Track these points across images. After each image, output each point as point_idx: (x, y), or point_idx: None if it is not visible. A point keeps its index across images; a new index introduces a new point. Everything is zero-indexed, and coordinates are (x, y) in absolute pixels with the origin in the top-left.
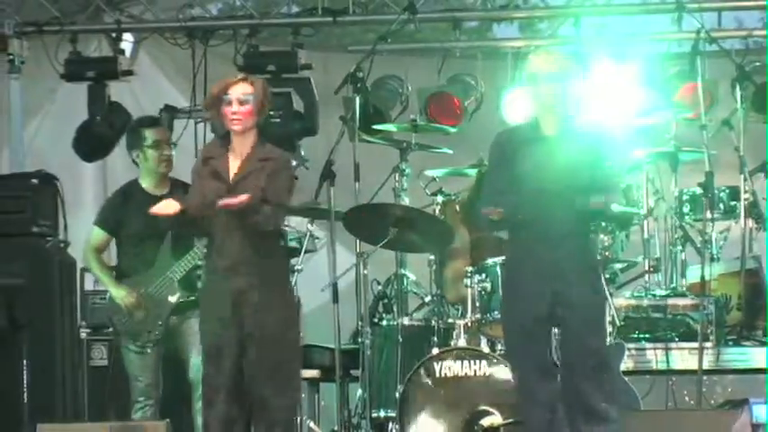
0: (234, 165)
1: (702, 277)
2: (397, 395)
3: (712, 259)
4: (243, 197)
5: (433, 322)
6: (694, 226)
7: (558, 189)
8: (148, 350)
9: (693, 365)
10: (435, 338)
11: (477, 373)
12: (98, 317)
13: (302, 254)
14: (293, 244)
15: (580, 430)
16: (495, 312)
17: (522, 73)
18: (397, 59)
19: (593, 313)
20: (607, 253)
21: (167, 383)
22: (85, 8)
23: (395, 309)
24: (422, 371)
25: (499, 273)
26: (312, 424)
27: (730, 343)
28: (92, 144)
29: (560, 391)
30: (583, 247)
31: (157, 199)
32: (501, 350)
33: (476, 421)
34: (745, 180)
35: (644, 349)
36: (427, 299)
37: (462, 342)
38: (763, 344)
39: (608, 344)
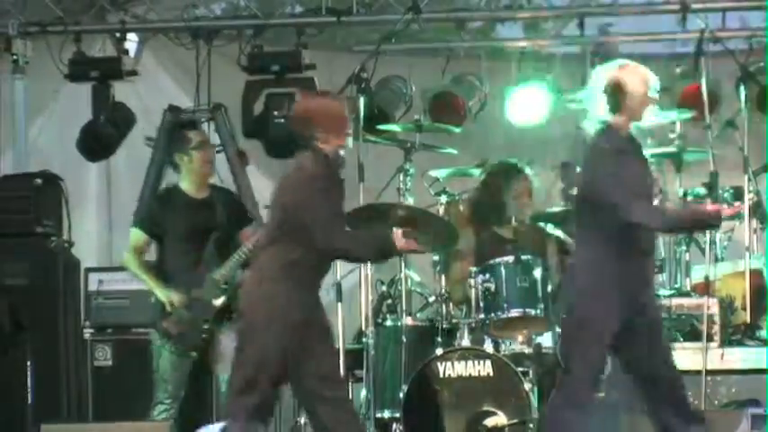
0: None
1: (707, 277)
2: (402, 395)
3: (717, 259)
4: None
5: (437, 323)
6: None
7: None
8: (188, 356)
9: (698, 366)
10: (439, 339)
11: (481, 374)
12: (102, 317)
13: None
14: None
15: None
16: (500, 312)
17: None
18: (401, 60)
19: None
20: None
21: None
22: (89, 8)
23: (399, 309)
24: (426, 371)
25: (503, 273)
26: None
27: (735, 343)
28: (96, 144)
29: None
30: None
31: (198, 202)
32: (505, 351)
33: (480, 421)
34: (749, 180)
35: None
36: (431, 299)
37: (466, 342)
38: (767, 344)
39: None
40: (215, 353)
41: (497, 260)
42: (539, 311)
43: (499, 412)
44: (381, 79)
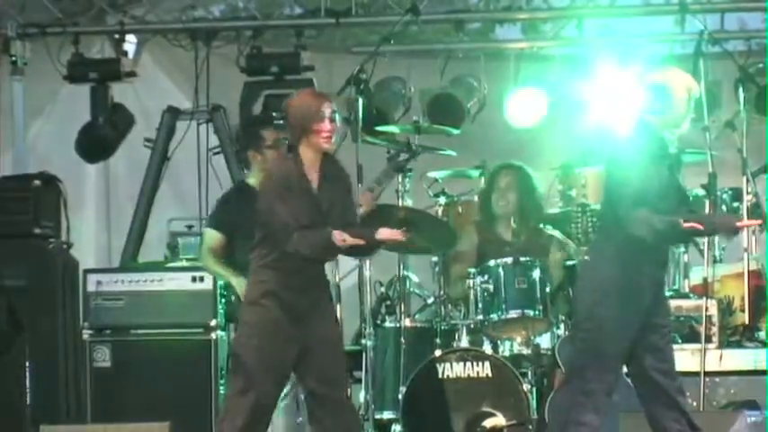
0: None
1: (705, 279)
2: (400, 397)
3: (715, 261)
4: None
5: (436, 324)
6: None
7: None
8: None
9: (696, 367)
10: (438, 340)
11: (480, 375)
12: (100, 318)
13: None
14: None
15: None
16: (498, 313)
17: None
18: (399, 61)
19: None
20: None
21: None
22: (88, 9)
23: (398, 310)
24: (425, 372)
25: (502, 274)
26: None
27: (733, 345)
28: (94, 145)
29: None
30: None
31: None
32: (504, 352)
33: (479, 422)
34: (747, 181)
35: None
36: (430, 300)
37: (465, 343)
38: (766, 345)
39: None
40: None
41: (496, 261)
42: (537, 312)
43: (498, 413)
44: (380, 80)
